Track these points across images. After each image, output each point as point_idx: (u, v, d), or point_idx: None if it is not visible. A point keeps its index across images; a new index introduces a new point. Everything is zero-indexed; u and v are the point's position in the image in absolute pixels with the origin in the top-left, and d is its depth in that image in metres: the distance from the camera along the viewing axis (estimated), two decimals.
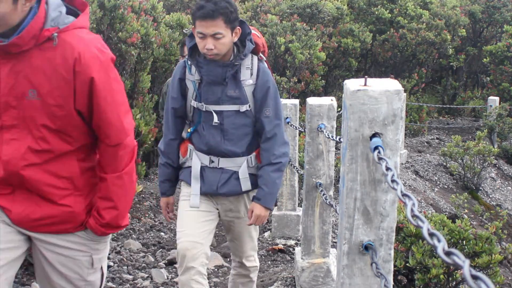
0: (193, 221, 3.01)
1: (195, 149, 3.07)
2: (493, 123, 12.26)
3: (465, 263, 1.04)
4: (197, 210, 3.04)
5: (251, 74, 3.01)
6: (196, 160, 3.06)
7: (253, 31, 3.06)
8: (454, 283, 3.58)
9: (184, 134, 3.12)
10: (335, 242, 4.48)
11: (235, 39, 2.94)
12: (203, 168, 3.06)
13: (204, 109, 3.01)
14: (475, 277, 1.01)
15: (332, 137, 3.50)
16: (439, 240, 1.15)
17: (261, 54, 3.11)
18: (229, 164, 3.05)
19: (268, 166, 3.02)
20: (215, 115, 2.98)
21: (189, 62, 3.03)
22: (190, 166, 3.08)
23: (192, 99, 3.04)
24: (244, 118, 3.02)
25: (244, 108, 3.01)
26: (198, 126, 3.05)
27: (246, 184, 3.06)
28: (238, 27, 2.93)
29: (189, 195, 3.08)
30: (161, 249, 5.52)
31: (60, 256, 2.32)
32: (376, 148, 1.73)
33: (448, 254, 1.10)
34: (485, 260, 3.55)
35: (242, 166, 3.04)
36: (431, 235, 1.18)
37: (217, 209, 3.12)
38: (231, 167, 3.05)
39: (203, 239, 2.98)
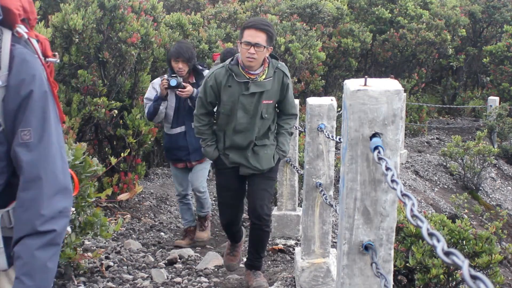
0: None
1: None
2: (493, 123, 12.27)
3: (464, 263, 1.04)
4: None
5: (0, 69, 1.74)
6: None
7: None
8: (454, 283, 3.58)
9: None
10: (335, 242, 4.47)
11: None
12: None
13: None
14: (474, 277, 1.01)
15: (332, 137, 3.50)
16: (438, 240, 1.15)
17: (19, 29, 1.79)
18: None
19: (31, 238, 1.71)
20: None
21: None
22: None
23: None
24: None
25: None
26: None
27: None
28: None
29: None
30: (161, 249, 5.51)
31: None
32: (376, 148, 1.73)
33: (447, 254, 1.10)
34: (485, 260, 3.55)
35: None
36: (431, 235, 1.18)
37: None
38: None
39: None
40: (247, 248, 4.58)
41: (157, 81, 5.41)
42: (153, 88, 5.43)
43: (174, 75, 5.24)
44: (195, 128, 4.40)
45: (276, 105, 4.28)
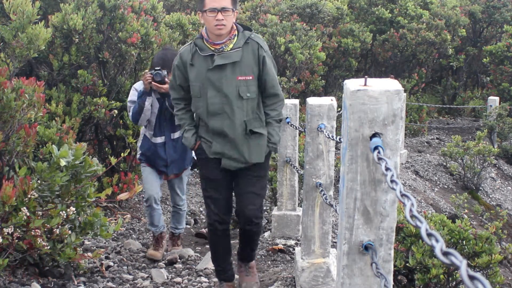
0: None
1: None
2: (493, 123, 12.27)
3: (462, 264, 1.04)
4: None
5: None
6: None
7: None
8: (454, 283, 3.59)
9: None
10: (335, 242, 4.47)
11: None
12: None
13: None
14: (472, 278, 1.01)
15: (332, 137, 3.50)
16: (437, 241, 1.16)
17: None
18: None
19: None
20: None
21: None
22: None
23: None
24: None
25: None
26: None
27: None
28: None
29: None
30: None
31: None
32: (376, 148, 1.74)
33: (445, 254, 1.10)
34: (485, 260, 3.55)
35: None
36: (429, 235, 1.18)
37: None
38: None
39: None
40: (238, 244, 4.24)
41: (139, 83, 5.11)
42: (135, 90, 5.08)
43: (158, 68, 4.90)
44: (175, 116, 4.06)
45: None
